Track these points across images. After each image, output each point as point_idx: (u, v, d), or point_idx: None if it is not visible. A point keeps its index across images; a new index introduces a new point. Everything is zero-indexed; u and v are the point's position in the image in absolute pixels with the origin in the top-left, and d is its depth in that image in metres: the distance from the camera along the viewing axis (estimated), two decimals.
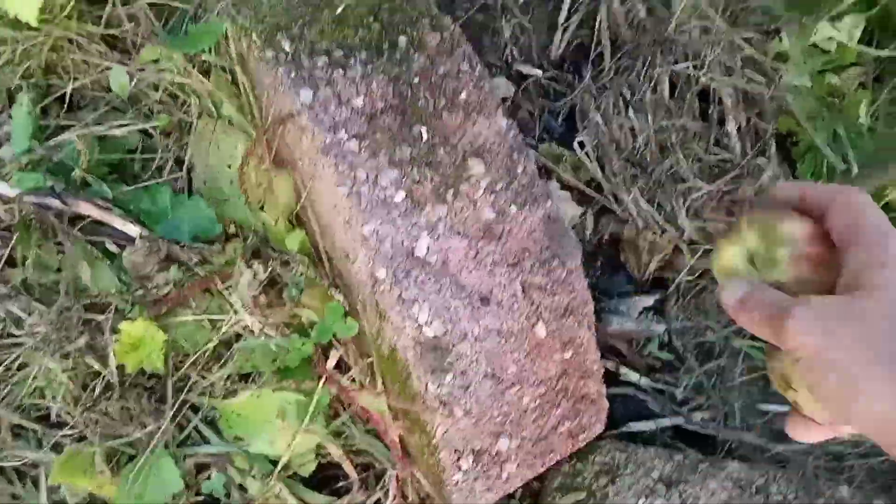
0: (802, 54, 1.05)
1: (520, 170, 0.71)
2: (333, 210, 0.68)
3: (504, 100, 1.00)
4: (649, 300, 0.94)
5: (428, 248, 0.65)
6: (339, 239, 0.69)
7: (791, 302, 0.42)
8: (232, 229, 0.83)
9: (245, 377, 0.80)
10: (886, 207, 1.00)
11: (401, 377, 0.68)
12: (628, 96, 1.03)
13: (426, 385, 0.64)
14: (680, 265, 0.96)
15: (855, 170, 0.94)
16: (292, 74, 0.68)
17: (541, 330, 0.69)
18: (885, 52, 1.06)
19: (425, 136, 0.69)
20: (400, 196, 0.66)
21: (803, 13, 1.06)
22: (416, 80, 0.71)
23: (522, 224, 0.70)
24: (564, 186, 1.00)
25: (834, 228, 0.46)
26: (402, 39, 0.73)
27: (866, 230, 0.45)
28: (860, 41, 1.05)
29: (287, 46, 0.70)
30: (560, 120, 1.05)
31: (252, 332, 0.78)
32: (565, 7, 1.10)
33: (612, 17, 1.08)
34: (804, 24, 1.04)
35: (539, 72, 1.06)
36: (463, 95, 0.71)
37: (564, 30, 1.09)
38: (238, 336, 0.79)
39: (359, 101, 0.68)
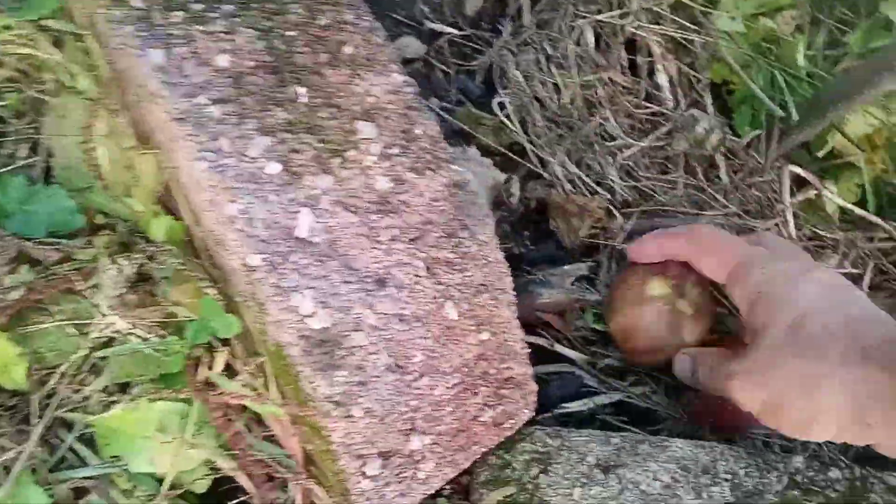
0: None
1: (418, 131, 0.63)
2: (198, 188, 0.58)
3: (413, 61, 0.91)
4: (582, 268, 0.86)
5: (310, 227, 0.56)
6: (208, 222, 0.60)
7: (725, 368, 0.48)
8: (100, 220, 0.73)
9: (125, 387, 0.70)
10: (831, 154, 0.94)
11: (291, 377, 0.59)
12: (550, 51, 0.95)
13: (315, 385, 0.56)
14: (614, 229, 0.88)
15: (795, 116, 0.87)
16: (142, 33, 0.58)
17: (451, 311, 0.61)
18: None
19: (304, 98, 0.60)
20: (274, 167, 0.57)
21: None
22: (292, 33, 0.61)
23: (424, 193, 0.61)
24: (486, 152, 0.91)
25: (704, 272, 0.53)
26: None
27: (726, 268, 0.50)
28: None
29: (138, 2, 0.60)
30: (479, 81, 0.97)
31: (126, 335, 0.68)
32: None
33: None
34: None
35: (454, 30, 0.98)
36: (348, 49, 0.62)
37: None
38: (111, 341, 0.70)
39: (223, 60, 0.58)
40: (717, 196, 0.86)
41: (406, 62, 0.91)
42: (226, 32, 0.59)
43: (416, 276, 0.59)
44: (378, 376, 0.57)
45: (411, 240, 0.59)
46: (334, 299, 0.56)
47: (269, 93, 0.59)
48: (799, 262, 0.50)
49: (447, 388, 0.62)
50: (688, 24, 0.94)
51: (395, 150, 0.61)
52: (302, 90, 0.60)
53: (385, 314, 0.57)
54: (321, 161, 0.58)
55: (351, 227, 0.57)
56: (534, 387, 0.69)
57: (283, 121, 0.58)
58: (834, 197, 0.90)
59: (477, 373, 0.64)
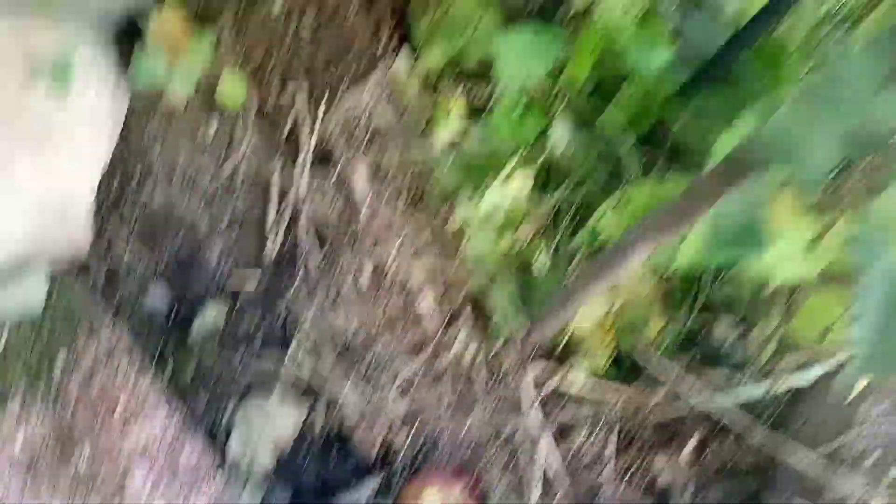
0: (479, 221, 1.20)
1: (183, 457, 0.81)
2: None
3: (214, 334, 1.10)
4: (376, 481, 1.05)
5: None
6: None
7: None
8: None
9: None
10: (571, 340, 1.16)
11: None
12: (336, 291, 1.15)
13: None
14: (398, 442, 1.08)
15: (518, 328, 1.09)
16: None
17: None
18: (551, 202, 1.23)
19: (87, 454, 0.77)
20: None
21: (476, 182, 1.22)
22: (75, 400, 0.79)
23: None
24: (289, 391, 1.10)
25: None
26: (62, 356, 0.81)
27: None
28: (536, 189, 1.21)
29: None
30: (282, 324, 1.16)
31: None
32: (270, 216, 1.21)
33: (314, 215, 1.20)
34: (478, 192, 1.20)
35: (252, 286, 1.17)
36: (120, 404, 0.80)
37: (275, 235, 1.21)
38: None
39: (17, 446, 0.76)
40: (477, 403, 1.07)
41: (207, 338, 1.09)
42: (20, 417, 0.77)
43: None
44: None
45: None
46: None
47: (60, 458, 0.76)
48: None
49: None
50: (442, 255, 1.16)
51: (166, 481, 0.78)
52: (87, 448, 0.77)
53: None
54: None
55: None
56: None
57: (70, 479, 0.75)
58: (575, 379, 1.12)
59: None
